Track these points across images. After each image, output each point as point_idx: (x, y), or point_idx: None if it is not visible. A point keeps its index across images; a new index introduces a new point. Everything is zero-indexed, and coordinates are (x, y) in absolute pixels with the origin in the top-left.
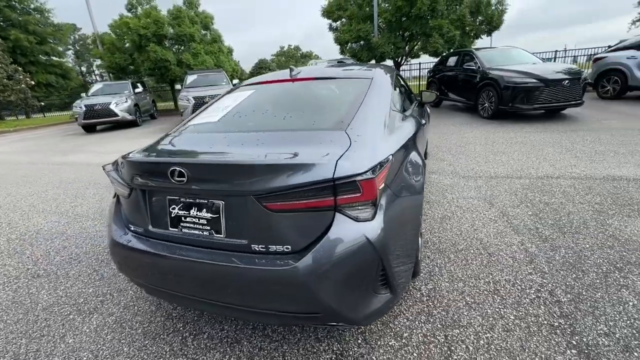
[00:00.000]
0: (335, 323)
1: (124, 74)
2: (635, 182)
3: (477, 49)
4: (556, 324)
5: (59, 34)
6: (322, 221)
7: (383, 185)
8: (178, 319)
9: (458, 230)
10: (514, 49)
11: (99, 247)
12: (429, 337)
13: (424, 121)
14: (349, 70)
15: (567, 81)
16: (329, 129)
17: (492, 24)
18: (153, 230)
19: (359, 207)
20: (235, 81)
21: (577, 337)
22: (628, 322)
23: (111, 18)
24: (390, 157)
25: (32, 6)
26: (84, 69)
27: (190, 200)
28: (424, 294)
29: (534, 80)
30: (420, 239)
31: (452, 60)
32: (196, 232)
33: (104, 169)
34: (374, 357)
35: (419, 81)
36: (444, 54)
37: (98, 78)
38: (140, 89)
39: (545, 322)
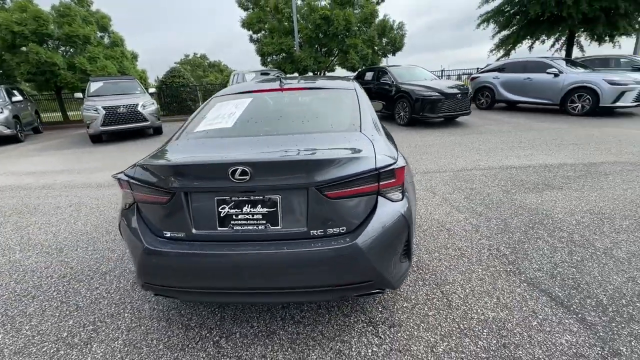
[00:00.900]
0: (380, 289)
1: None
2: (519, 169)
3: (389, 66)
4: (508, 269)
5: None
6: (369, 204)
7: None
8: (199, 327)
9: (418, 215)
10: (416, 67)
11: (52, 278)
12: (430, 295)
13: None
14: (327, 81)
15: (459, 95)
16: (347, 130)
17: (396, 45)
18: (197, 232)
19: (394, 191)
20: (152, 90)
21: (523, 275)
22: (548, 259)
23: None
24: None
25: None
26: None
27: (244, 198)
28: (414, 265)
29: (437, 94)
30: None
31: (369, 75)
32: (250, 227)
33: (119, 177)
34: (396, 317)
35: None
36: (360, 69)
37: None
38: (18, 97)
39: (502, 269)
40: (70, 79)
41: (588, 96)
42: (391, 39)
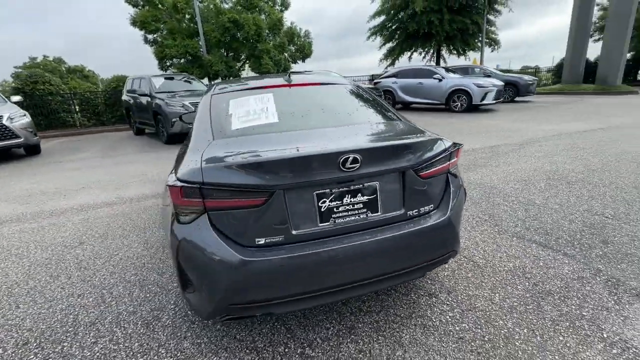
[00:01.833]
0: (453, 257)
1: None
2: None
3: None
4: (496, 230)
5: None
6: (444, 181)
7: None
8: (271, 345)
9: None
10: (331, 73)
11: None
12: (458, 261)
13: None
14: (324, 76)
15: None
16: (393, 119)
17: (305, 52)
18: (297, 232)
19: (455, 168)
20: (17, 98)
21: (508, 232)
22: (516, 217)
23: None
24: None
25: None
26: None
27: (344, 189)
28: None
29: None
30: None
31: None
32: (352, 218)
33: (182, 184)
34: (447, 285)
35: None
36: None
37: None
38: None
39: (492, 230)
40: None
41: (464, 96)
42: (299, 45)
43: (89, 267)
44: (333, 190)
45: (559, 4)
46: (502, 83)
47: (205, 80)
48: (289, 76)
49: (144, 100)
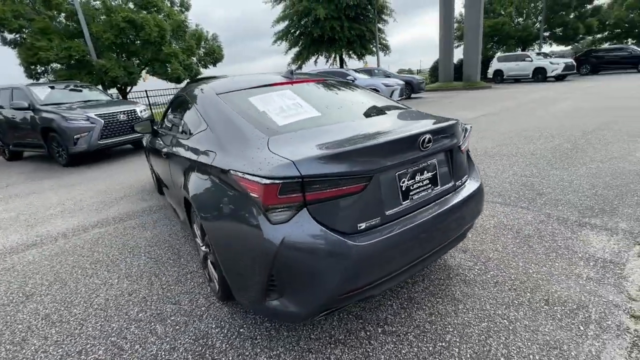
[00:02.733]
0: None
1: None
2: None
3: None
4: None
5: None
6: (466, 155)
7: None
8: (348, 335)
9: None
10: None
11: None
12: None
13: None
14: (325, 74)
15: None
16: (406, 109)
17: (215, 56)
18: (389, 213)
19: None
20: None
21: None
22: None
23: None
24: None
25: None
26: None
27: (415, 168)
28: None
29: None
30: None
31: None
32: (423, 193)
33: (280, 180)
34: (478, 243)
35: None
36: (194, 79)
37: None
38: None
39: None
40: None
41: None
42: (208, 49)
43: (63, 319)
44: (408, 170)
45: (421, 18)
46: (403, 82)
47: (100, 87)
48: (292, 73)
49: (21, 115)
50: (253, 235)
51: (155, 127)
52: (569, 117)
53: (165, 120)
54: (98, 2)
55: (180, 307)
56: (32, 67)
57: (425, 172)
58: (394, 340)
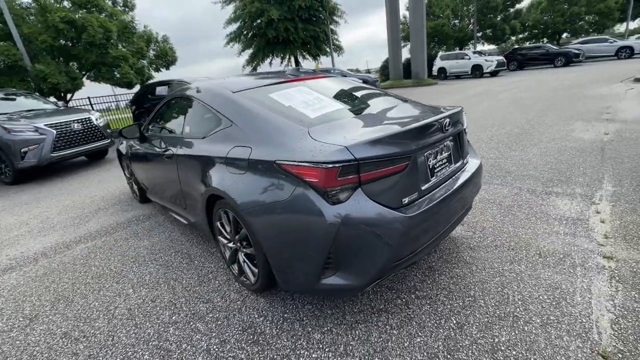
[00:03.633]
0: None
1: None
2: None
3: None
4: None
5: None
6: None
7: None
8: (388, 304)
9: None
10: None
11: None
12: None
13: None
14: (307, 71)
15: None
16: (408, 101)
17: (168, 59)
18: (423, 188)
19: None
20: None
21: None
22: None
23: None
24: None
25: None
26: None
27: (437, 149)
28: None
29: None
30: None
31: (161, 90)
32: (443, 170)
33: (337, 165)
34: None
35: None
36: (148, 83)
37: None
38: None
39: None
40: None
41: None
42: (160, 51)
43: (87, 334)
44: (433, 150)
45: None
46: (361, 80)
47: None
48: (298, 71)
49: None
50: (311, 218)
51: (142, 132)
52: (512, 106)
53: (157, 123)
54: (28, 0)
55: (215, 305)
56: None
57: (444, 152)
58: (428, 302)
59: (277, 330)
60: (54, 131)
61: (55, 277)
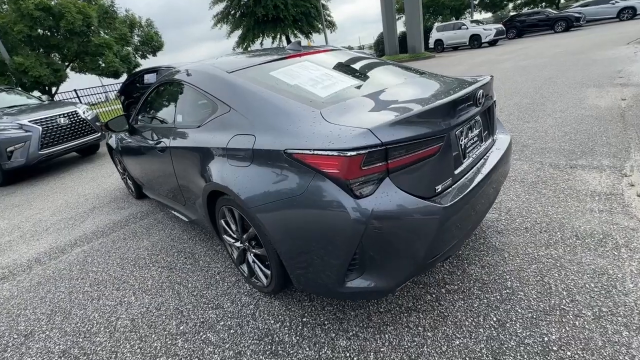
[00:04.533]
0: None
1: None
2: None
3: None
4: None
5: None
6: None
7: None
8: (417, 301)
9: None
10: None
11: None
12: None
13: None
14: (312, 47)
15: None
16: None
17: (154, 45)
18: (457, 172)
19: None
20: None
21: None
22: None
23: None
24: None
25: None
26: None
27: (468, 125)
28: None
29: None
30: None
31: (150, 77)
32: (474, 150)
33: (363, 150)
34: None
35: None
36: (135, 71)
37: None
38: None
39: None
40: None
41: None
42: (144, 37)
43: (88, 351)
44: (464, 128)
45: None
46: None
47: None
48: (299, 44)
49: None
50: (332, 215)
51: (131, 123)
52: (518, 75)
53: (147, 113)
54: None
55: (225, 310)
56: None
57: (474, 128)
58: (461, 297)
59: (297, 338)
60: (40, 127)
61: (50, 286)
